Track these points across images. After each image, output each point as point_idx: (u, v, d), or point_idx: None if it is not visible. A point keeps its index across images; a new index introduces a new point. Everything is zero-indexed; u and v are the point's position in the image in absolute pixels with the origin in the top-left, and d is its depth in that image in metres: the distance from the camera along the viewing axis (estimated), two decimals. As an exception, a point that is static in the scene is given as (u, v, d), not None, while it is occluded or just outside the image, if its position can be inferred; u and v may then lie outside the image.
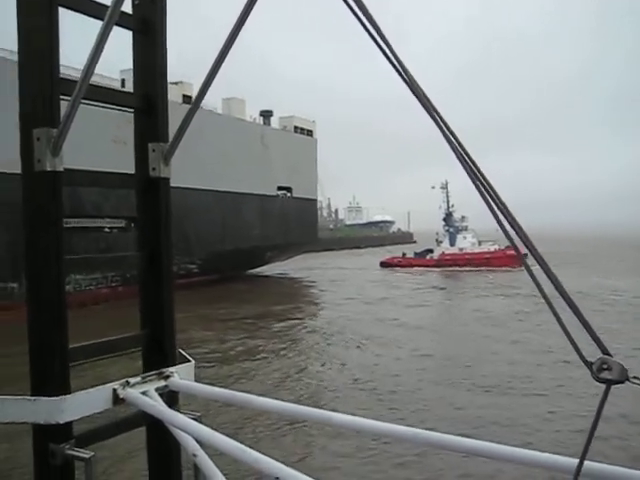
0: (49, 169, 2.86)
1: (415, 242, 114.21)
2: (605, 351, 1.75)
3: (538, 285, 1.92)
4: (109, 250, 33.66)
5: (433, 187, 63.82)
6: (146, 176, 3.35)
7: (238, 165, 43.58)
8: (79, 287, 32.03)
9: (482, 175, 2.05)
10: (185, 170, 28.19)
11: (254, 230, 46.23)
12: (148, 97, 3.38)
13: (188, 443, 2.75)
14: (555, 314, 1.84)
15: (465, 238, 61.05)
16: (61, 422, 2.82)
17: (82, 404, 2.90)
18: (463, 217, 63.84)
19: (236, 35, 2.68)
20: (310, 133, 56.26)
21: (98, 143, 31.82)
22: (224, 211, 42.37)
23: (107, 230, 34.14)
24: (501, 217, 1.99)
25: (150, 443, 3.47)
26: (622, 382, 1.72)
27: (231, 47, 2.73)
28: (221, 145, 41.60)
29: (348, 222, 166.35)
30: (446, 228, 62.60)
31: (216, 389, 3.08)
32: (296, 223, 52.59)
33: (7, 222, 28.24)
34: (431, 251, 63.67)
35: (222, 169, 41.85)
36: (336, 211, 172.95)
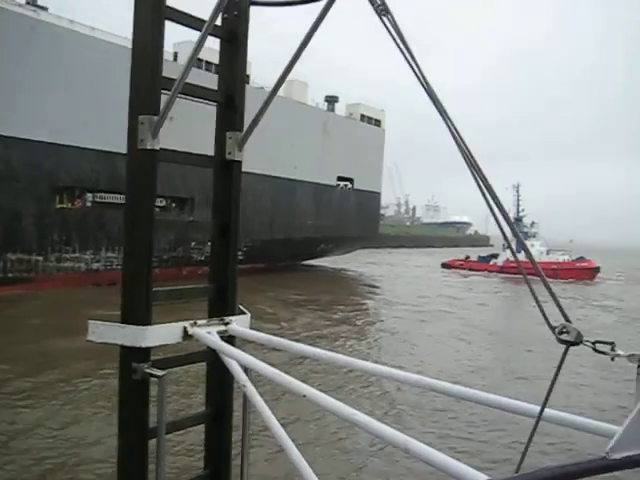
0: (149, 147, 3.45)
1: (492, 246, 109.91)
2: (567, 318, 2.22)
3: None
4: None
5: (506, 188, 60.05)
6: (223, 158, 3.98)
7: (295, 150, 41.65)
8: (110, 265, 30.95)
9: (485, 181, 2.48)
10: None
11: (307, 220, 44.28)
12: (229, 94, 4.01)
13: (240, 376, 3.34)
14: (531, 290, 2.39)
15: (532, 246, 56.93)
16: (143, 346, 3.44)
17: (159, 335, 3.51)
18: (533, 223, 59.87)
19: (306, 44, 3.34)
20: (378, 123, 53.66)
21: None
22: (275, 198, 40.47)
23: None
24: (502, 222, 2.53)
25: (209, 377, 4.05)
26: (577, 344, 2.17)
27: (302, 53, 3.40)
28: (278, 128, 39.76)
29: (425, 220, 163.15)
30: (514, 233, 58.36)
31: (268, 336, 3.61)
32: (355, 216, 50.21)
33: (38, 195, 27.44)
34: (496, 256, 59.96)
35: (277, 153, 39.52)
36: (414, 209, 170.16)
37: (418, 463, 2.97)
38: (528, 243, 57.02)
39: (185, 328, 3.60)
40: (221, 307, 3.95)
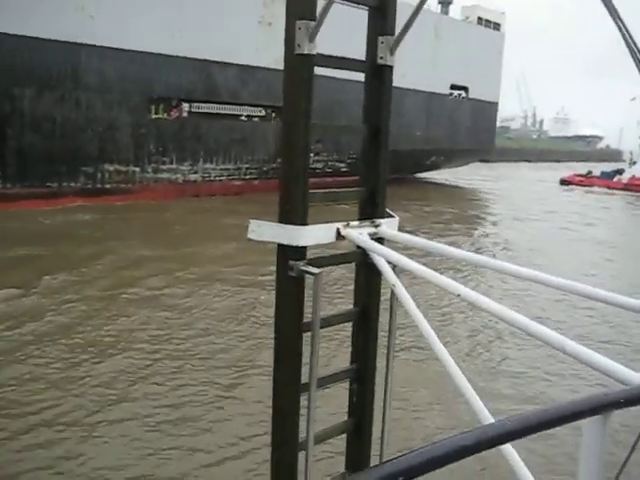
0: (306, 52, 3.52)
1: (624, 161, 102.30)
2: None
3: None
4: (244, 141, 31.79)
5: (633, 99, 54.14)
6: (374, 63, 4.03)
7: (404, 57, 38.92)
8: (208, 177, 30.62)
9: None
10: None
11: (416, 131, 42.01)
12: None
13: (390, 276, 3.53)
14: None
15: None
16: (299, 245, 3.61)
17: (315, 234, 3.69)
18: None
19: None
20: (497, 27, 49.46)
21: (242, 25, 29.50)
22: (381, 108, 38.19)
23: (244, 119, 31.95)
24: None
25: (358, 277, 4.24)
26: None
27: None
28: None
29: (552, 134, 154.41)
30: (643, 148, 53.06)
31: (417, 238, 3.92)
32: (469, 127, 47.12)
33: (132, 106, 27.18)
34: (621, 172, 54.33)
35: (382, 60, 37.34)
36: (541, 121, 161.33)
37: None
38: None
39: (338, 229, 3.77)
40: (371, 210, 4.08)
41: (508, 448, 2.58)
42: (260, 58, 29.60)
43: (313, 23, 3.48)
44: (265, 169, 32.68)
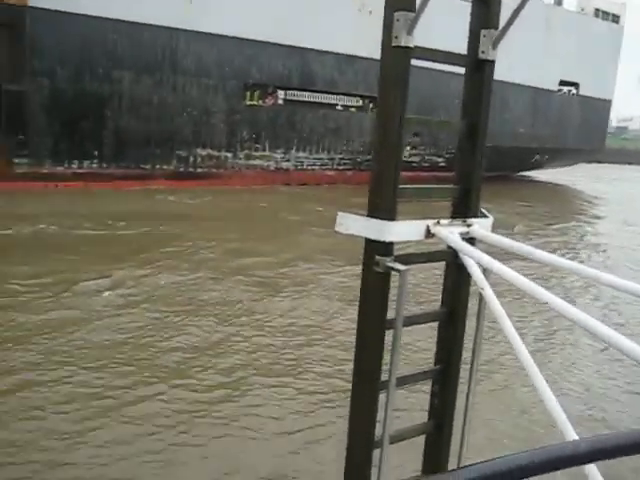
0: (403, 45, 3.45)
1: None
2: None
3: None
4: (338, 130, 31.40)
5: None
6: (476, 57, 3.92)
7: (510, 49, 37.34)
8: (300, 165, 30.45)
9: None
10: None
11: (520, 128, 40.27)
12: None
13: (479, 278, 3.40)
14: None
15: None
16: (386, 240, 3.54)
17: (403, 231, 3.63)
18: None
19: None
20: (616, 19, 46.54)
21: (340, 12, 29.10)
22: (484, 102, 36.83)
23: (339, 108, 31.52)
24: None
25: (447, 277, 4.14)
26: None
27: None
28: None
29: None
30: None
31: (511, 241, 3.61)
32: (578, 125, 44.76)
33: (227, 92, 27.35)
34: None
35: (487, 52, 35.98)
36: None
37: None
38: None
39: (428, 227, 3.67)
40: (464, 209, 3.98)
41: (591, 469, 2.46)
42: (359, 47, 29.12)
43: (412, 14, 3.42)
44: (359, 160, 32.20)
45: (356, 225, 3.66)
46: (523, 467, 1.26)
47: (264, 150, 28.95)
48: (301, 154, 30.33)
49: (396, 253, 3.69)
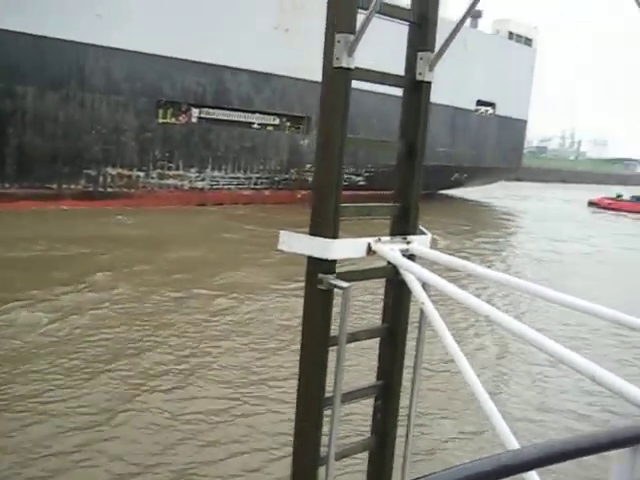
0: (344, 66, 3.53)
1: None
2: None
3: None
4: (255, 149, 30.99)
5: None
6: (413, 79, 4.04)
7: (428, 70, 37.99)
8: (216, 184, 29.83)
9: None
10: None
11: (439, 147, 40.78)
12: (423, 13, 4.01)
13: (419, 294, 3.49)
14: None
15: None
16: (329, 258, 3.58)
17: (345, 248, 3.67)
18: None
19: None
20: (529, 42, 48.03)
21: (256, 29, 28.75)
22: (402, 121, 37.02)
23: (256, 127, 31.13)
24: None
25: (387, 293, 4.17)
26: None
27: None
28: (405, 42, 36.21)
29: (590, 155, 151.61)
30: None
31: (449, 257, 3.72)
32: (495, 145, 45.81)
33: (139, 109, 26.63)
34: None
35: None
36: (579, 142, 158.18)
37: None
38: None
39: (369, 244, 3.76)
40: (403, 226, 4.06)
41: (532, 476, 2.50)
42: (275, 65, 28.87)
43: (352, 37, 3.49)
44: (277, 179, 31.87)
45: (299, 243, 3.70)
46: (472, 477, 1.29)
47: (178, 169, 28.27)
48: (216, 173, 29.77)
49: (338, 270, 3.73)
